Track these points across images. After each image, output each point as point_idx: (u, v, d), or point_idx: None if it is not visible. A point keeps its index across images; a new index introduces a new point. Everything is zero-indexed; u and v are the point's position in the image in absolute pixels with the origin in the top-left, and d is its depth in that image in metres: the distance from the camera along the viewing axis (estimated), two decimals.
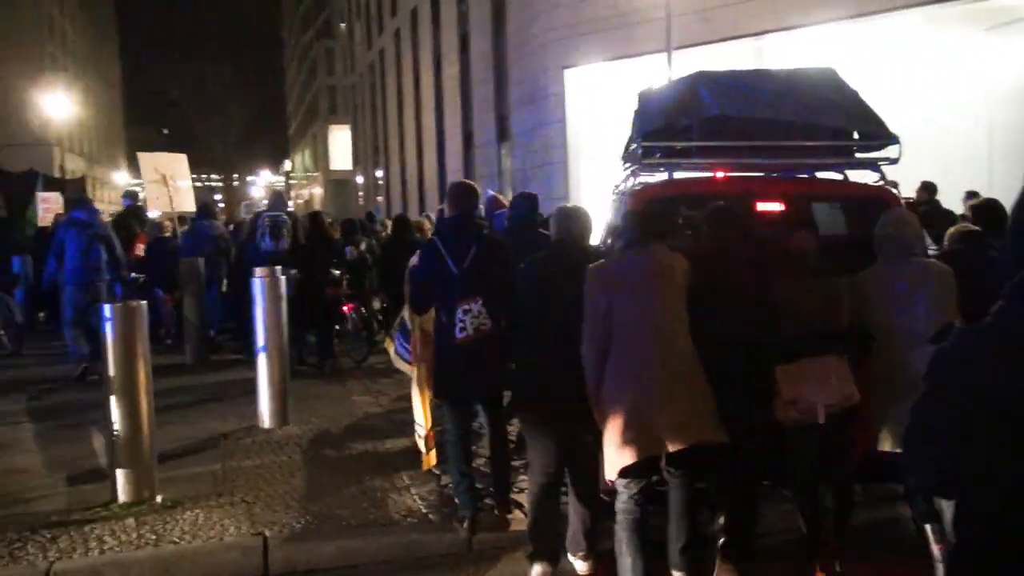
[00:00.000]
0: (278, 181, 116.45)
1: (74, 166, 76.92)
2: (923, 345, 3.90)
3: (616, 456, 4.02)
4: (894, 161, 5.33)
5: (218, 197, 59.04)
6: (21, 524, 5.07)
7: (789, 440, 4.30)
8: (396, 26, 41.80)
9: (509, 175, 25.50)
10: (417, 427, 5.67)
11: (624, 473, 4.05)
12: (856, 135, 5.45)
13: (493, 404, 5.18)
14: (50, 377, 9.66)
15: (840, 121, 5.37)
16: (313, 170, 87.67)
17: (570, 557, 4.52)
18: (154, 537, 4.86)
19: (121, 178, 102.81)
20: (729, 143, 5.26)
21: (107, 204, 65.81)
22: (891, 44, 16.20)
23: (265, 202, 13.57)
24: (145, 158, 13.44)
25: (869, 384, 4.18)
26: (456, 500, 5.12)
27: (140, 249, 12.02)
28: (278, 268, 7.57)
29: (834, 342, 4.19)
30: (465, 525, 4.94)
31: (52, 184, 15.17)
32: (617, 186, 6.37)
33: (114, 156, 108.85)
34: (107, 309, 5.33)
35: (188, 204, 13.14)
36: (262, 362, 7.23)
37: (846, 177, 5.55)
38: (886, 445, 4.11)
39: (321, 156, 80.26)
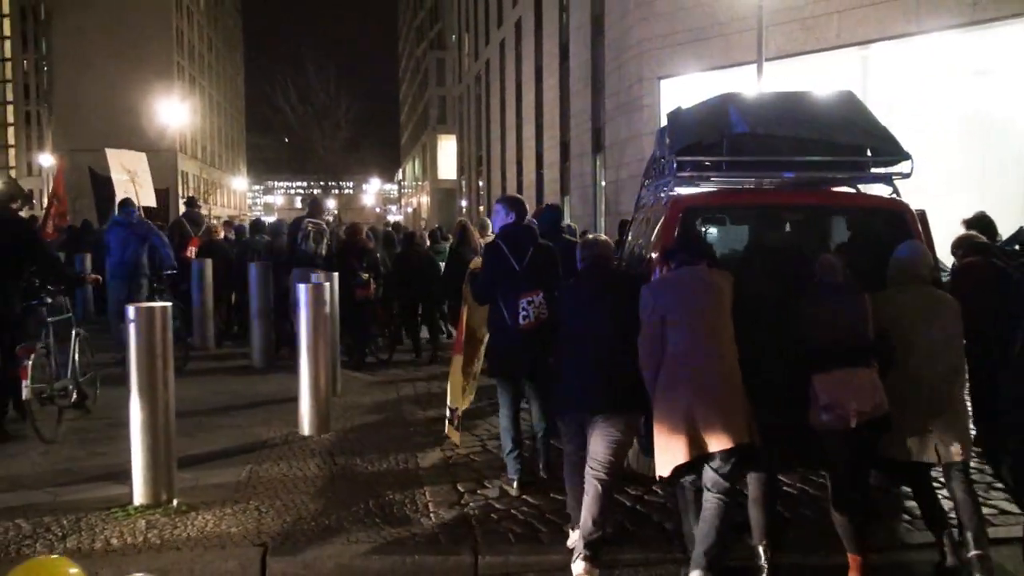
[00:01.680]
0: (390, 189, 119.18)
1: (191, 170, 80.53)
2: (935, 364, 4.50)
3: (669, 455, 4.42)
4: (906, 175, 5.64)
5: (332, 203, 60.51)
6: (39, 520, 5.12)
7: (824, 443, 4.52)
8: (501, 37, 42.05)
9: (601, 187, 25.20)
10: (448, 409, 6.46)
11: (676, 471, 4.44)
12: (870, 152, 5.68)
13: (540, 378, 5.85)
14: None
15: (857, 139, 5.67)
16: (422, 179, 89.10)
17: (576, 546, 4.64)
18: (159, 542, 4.81)
19: (240, 183, 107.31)
20: (755, 158, 5.63)
21: (220, 208, 68.39)
22: (1008, 54, 15.19)
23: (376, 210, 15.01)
24: (112, 155, 14.71)
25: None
26: (506, 464, 5.93)
27: (192, 252, 12.53)
28: (320, 274, 7.52)
29: (864, 354, 4.46)
30: (515, 485, 5.77)
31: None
32: (641, 204, 7.06)
33: (235, 161, 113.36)
34: (131, 311, 5.33)
35: (149, 199, 14.62)
36: (304, 369, 7.18)
37: (858, 190, 5.99)
38: (894, 452, 4.59)
39: (429, 165, 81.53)
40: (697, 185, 6.01)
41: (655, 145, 6.90)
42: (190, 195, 17.80)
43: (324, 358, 7.27)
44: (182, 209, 18.43)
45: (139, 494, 5.35)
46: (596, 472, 4.63)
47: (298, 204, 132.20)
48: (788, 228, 6.01)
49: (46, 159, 54.55)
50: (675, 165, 5.62)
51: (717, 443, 4.32)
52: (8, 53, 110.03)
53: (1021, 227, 7.13)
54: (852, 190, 5.98)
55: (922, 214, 5.58)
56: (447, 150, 73.03)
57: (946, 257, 6.47)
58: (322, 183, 68.25)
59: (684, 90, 20.36)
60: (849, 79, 18.79)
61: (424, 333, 11.93)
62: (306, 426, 7.18)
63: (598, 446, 4.65)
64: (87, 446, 6.86)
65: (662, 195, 5.96)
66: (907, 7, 15.82)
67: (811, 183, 5.98)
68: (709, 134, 5.71)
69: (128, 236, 10.41)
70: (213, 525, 5.06)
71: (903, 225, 5.40)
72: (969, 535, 4.49)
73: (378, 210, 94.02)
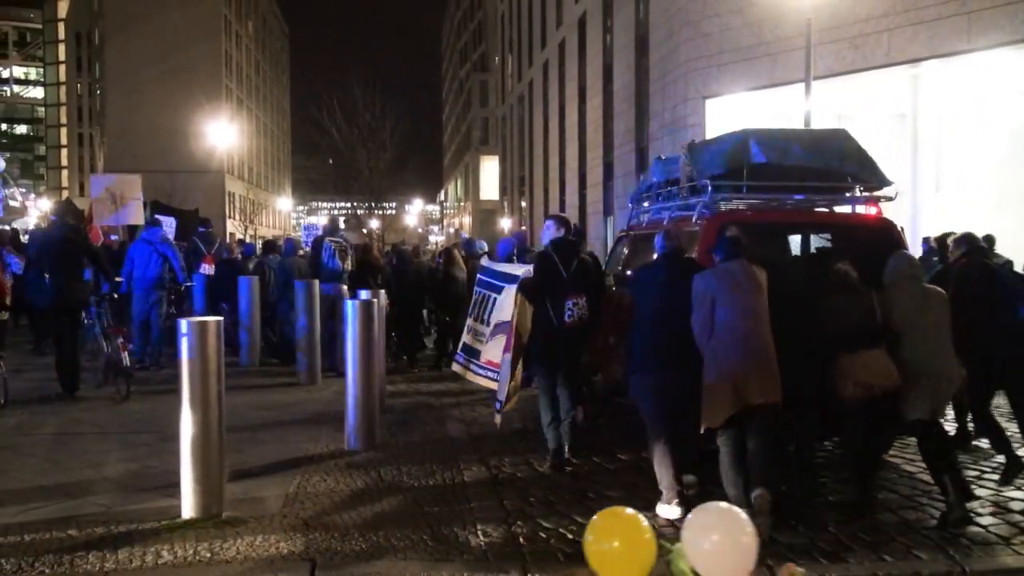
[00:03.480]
0: (432, 209, 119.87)
1: (237, 191, 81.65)
2: (929, 343, 5.67)
3: (719, 409, 5.41)
4: (891, 199, 7.11)
5: (375, 224, 60.99)
6: (91, 531, 5.17)
7: (847, 411, 5.81)
8: (545, 58, 42.24)
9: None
10: (498, 402, 7.00)
11: (726, 422, 5.43)
12: (861, 179, 7.05)
13: (571, 372, 6.86)
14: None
15: (850, 168, 6.99)
16: (464, 199, 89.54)
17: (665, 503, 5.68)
18: (208, 555, 4.82)
19: (284, 204, 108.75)
20: (771, 183, 6.91)
21: (265, 228, 69.17)
22: None
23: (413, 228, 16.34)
24: (97, 180, 16.29)
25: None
26: (546, 437, 6.81)
27: (207, 268, 13.49)
28: (366, 292, 7.55)
29: (877, 339, 5.71)
30: (548, 460, 6.72)
31: (165, 210, 17.21)
32: (641, 223, 8.59)
33: (280, 182, 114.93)
34: (183, 324, 5.38)
35: (138, 218, 15.23)
36: (351, 384, 7.19)
37: (854, 209, 7.35)
38: (915, 413, 5.69)
39: (472, 186, 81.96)
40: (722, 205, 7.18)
41: (654, 173, 8.53)
42: (202, 216, 18.59)
43: (373, 373, 7.28)
44: (228, 227, 19.59)
45: (188, 507, 5.37)
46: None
47: (340, 225, 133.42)
48: (801, 239, 7.37)
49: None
50: (711, 188, 6.74)
51: (760, 397, 5.34)
52: (63, 77, 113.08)
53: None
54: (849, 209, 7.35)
55: (901, 228, 7.12)
56: (489, 170, 73.41)
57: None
58: (365, 204, 68.76)
59: (730, 109, 20.31)
60: (898, 98, 18.65)
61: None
62: (352, 441, 7.18)
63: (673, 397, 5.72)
64: (138, 460, 6.92)
65: (698, 212, 6.94)
66: (958, 26, 15.59)
67: (815, 204, 7.37)
68: (733, 163, 6.84)
69: (151, 252, 11.47)
70: (262, 540, 5.06)
71: (891, 237, 6.78)
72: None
73: (420, 230, 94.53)
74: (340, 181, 70.78)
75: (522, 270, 7.07)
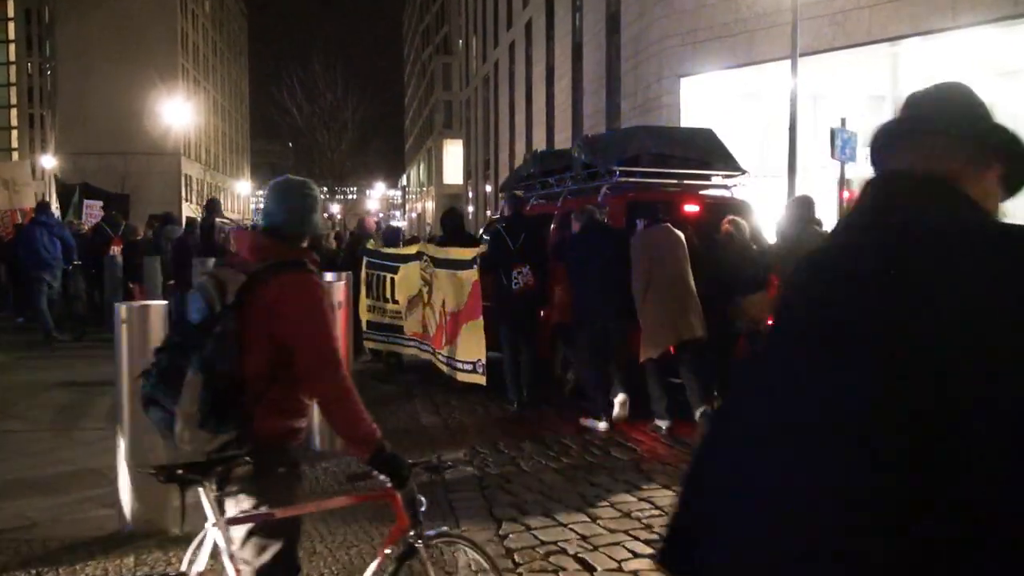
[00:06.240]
0: (394, 195, 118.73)
1: (194, 174, 79.96)
2: None
3: (654, 344, 7.17)
4: (744, 185, 9.31)
5: (336, 208, 60.05)
6: (19, 553, 4.43)
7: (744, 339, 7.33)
8: (511, 39, 41.45)
9: None
10: (470, 363, 8.06)
11: (659, 355, 7.19)
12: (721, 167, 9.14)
13: (529, 328, 8.20)
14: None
15: (715, 159, 9.05)
16: (427, 184, 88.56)
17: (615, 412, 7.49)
18: None
19: (243, 188, 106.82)
20: (660, 169, 8.62)
21: (226, 212, 67.66)
22: None
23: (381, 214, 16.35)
24: None
25: None
26: (508, 388, 8.21)
27: (115, 250, 14.43)
28: (329, 274, 6.86)
29: (764, 284, 7.11)
30: (515, 406, 8.08)
31: (95, 194, 18.63)
32: (504, 211, 9.94)
33: (239, 166, 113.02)
34: (122, 310, 4.64)
35: (29, 201, 16.89)
36: None
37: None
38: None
39: (435, 171, 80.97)
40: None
41: (532, 165, 10.75)
42: (102, 200, 19.25)
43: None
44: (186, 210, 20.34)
45: (131, 519, 4.65)
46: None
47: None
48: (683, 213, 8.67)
49: (48, 162, 54.04)
50: (618, 173, 8.39)
51: (689, 334, 7.13)
52: (12, 56, 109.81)
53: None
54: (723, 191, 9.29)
55: (747, 204, 8.67)
56: (453, 155, 72.46)
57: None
58: (325, 188, 67.56)
59: (704, 89, 19.78)
60: (876, 78, 18.28)
61: None
62: (317, 439, 6.49)
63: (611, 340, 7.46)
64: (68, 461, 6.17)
65: (603, 193, 8.47)
66: (941, 2, 15.14)
67: (690, 187, 9.03)
68: (632, 152, 8.61)
69: (46, 234, 12.32)
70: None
71: (747, 210, 8.47)
72: None
73: (381, 215, 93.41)
74: (300, 165, 69.53)
75: (472, 253, 8.16)
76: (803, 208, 7.42)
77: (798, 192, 11.78)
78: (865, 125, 16.93)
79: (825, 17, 16.62)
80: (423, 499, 2.91)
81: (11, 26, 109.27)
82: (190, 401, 2.52)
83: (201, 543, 2.81)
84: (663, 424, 7.27)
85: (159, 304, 4.76)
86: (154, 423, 2.66)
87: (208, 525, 2.72)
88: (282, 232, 2.79)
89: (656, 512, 5.24)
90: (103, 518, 4.87)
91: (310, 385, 2.72)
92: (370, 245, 10.50)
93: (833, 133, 11.53)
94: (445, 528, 3.23)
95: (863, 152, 13.59)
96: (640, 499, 5.52)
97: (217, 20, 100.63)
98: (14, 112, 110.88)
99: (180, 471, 2.62)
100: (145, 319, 4.65)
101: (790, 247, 7.01)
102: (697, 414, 7.04)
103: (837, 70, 17.95)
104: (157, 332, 4.64)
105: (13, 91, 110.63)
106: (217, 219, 12.59)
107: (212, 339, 2.54)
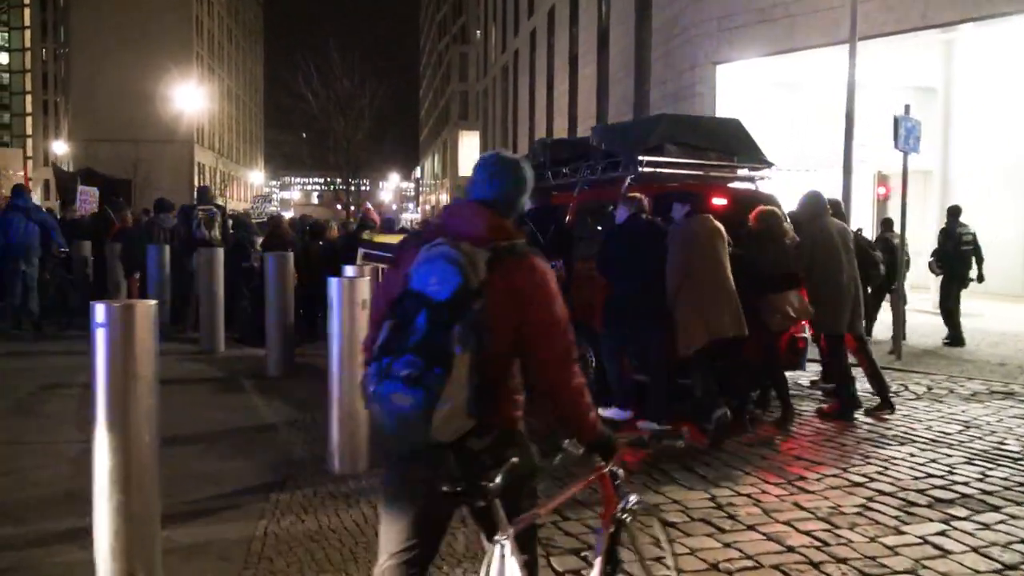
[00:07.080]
0: (407, 187, 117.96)
1: (207, 161, 79.27)
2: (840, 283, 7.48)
3: (691, 339, 6.66)
4: (770, 178, 8.84)
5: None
6: None
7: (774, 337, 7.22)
8: (532, 27, 40.39)
9: None
10: None
11: (698, 351, 6.70)
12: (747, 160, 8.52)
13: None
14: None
15: (741, 150, 8.45)
16: (442, 176, 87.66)
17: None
18: None
19: (257, 177, 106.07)
20: (685, 160, 8.03)
21: (236, 202, 67.20)
22: None
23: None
24: None
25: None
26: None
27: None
28: (349, 268, 6.00)
29: (795, 281, 7.20)
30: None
31: (92, 180, 17.81)
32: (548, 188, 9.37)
33: (253, 155, 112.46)
34: (100, 311, 3.73)
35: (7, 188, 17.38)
36: (334, 388, 5.59)
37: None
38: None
39: (450, 162, 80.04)
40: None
41: (538, 152, 9.86)
42: (100, 185, 19.14)
43: (357, 373, 5.67)
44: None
45: (105, 569, 3.75)
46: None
47: (315, 200, 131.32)
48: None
49: (60, 148, 53.41)
50: (643, 163, 7.72)
51: (719, 334, 6.65)
52: (27, 43, 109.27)
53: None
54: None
55: (774, 199, 8.10)
56: (469, 146, 71.48)
57: None
58: (339, 179, 66.61)
59: (742, 76, 18.77)
60: (928, 67, 17.28)
61: None
62: (337, 462, 5.59)
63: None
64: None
65: (628, 182, 7.75)
66: None
67: (716, 178, 8.49)
68: (656, 141, 7.98)
69: (23, 220, 11.50)
70: None
71: (773, 203, 7.89)
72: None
73: (394, 207, 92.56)
74: (314, 155, 68.53)
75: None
76: (816, 204, 7.57)
77: (838, 191, 10.84)
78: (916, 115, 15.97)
79: (878, 1, 15.58)
80: (621, 471, 2.79)
81: (26, 12, 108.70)
82: (460, 383, 2.30)
83: (491, 561, 2.38)
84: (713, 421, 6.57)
85: (147, 304, 3.85)
86: (385, 413, 2.33)
87: (499, 537, 2.37)
88: (501, 209, 2.62)
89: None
90: None
91: (542, 366, 2.56)
92: (365, 236, 10.09)
93: (897, 121, 10.51)
94: (640, 498, 2.91)
95: (926, 143, 12.59)
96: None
97: (232, 8, 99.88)
98: (28, 98, 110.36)
99: (484, 483, 2.32)
100: (129, 322, 3.75)
101: (808, 244, 7.29)
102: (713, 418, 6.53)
103: (880, 58, 16.93)
104: (145, 338, 3.75)
105: (28, 77, 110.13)
106: (200, 208, 12.50)
107: (473, 316, 2.34)
